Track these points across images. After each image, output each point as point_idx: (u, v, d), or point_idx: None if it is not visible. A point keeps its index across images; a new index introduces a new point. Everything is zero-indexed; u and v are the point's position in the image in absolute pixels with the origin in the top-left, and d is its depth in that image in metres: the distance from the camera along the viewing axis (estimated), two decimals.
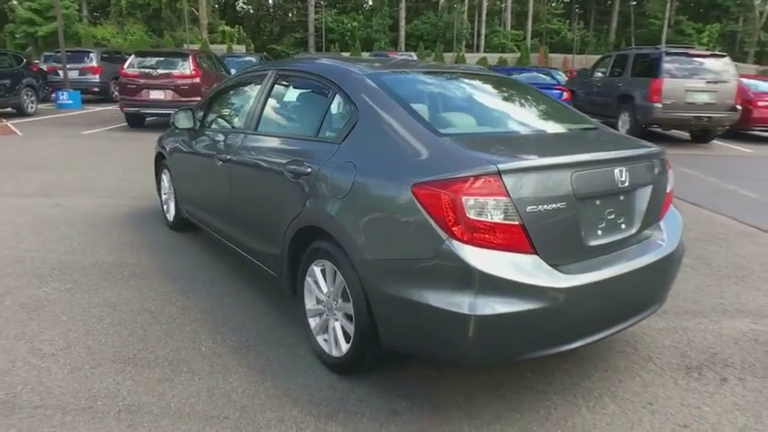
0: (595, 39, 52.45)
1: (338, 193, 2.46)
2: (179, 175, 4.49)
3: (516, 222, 2.10)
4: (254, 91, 3.51)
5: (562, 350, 2.27)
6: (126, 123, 11.85)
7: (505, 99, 3.21)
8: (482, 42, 49.04)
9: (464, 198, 2.05)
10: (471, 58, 41.04)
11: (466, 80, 3.26)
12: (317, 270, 2.71)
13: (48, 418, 2.30)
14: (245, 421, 2.32)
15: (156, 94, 10.85)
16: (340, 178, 2.47)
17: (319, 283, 2.71)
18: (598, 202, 2.37)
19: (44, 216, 5.24)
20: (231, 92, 4.08)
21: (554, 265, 2.18)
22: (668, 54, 11.51)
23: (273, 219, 2.97)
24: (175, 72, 10.91)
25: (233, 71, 15.08)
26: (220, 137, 3.73)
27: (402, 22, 46.02)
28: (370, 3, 50.04)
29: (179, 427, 2.26)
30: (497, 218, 2.08)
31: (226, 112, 4.03)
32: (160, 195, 5.16)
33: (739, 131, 12.51)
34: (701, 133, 12.10)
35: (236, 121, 3.70)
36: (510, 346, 2.17)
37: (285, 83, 3.38)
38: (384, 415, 2.39)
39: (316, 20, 46.49)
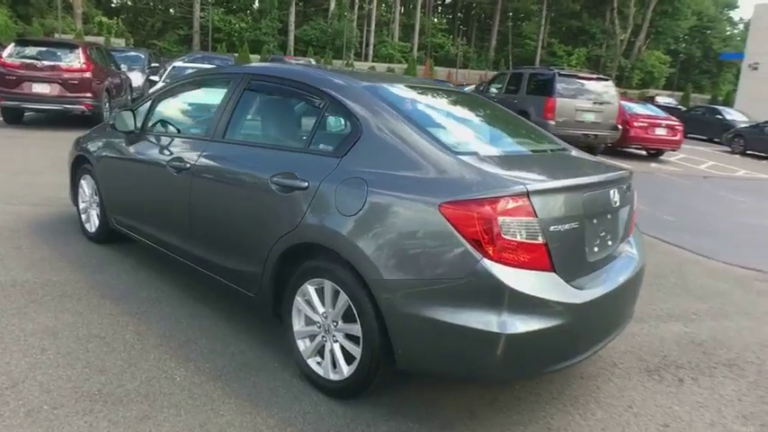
0: (476, 55, 55.50)
1: (347, 209, 2.35)
2: (110, 183, 4.05)
3: (542, 241, 2.14)
4: (216, 95, 3.26)
5: (574, 362, 2.35)
6: (1, 118, 10.50)
7: (488, 118, 3.27)
8: (370, 51, 49.99)
9: (499, 218, 2.06)
10: (360, 67, 41.63)
11: (449, 97, 3.28)
12: (310, 289, 2.56)
13: None
14: None
15: (40, 88, 9.71)
16: (348, 194, 2.36)
17: (313, 303, 2.56)
18: (596, 221, 2.49)
19: None
20: (183, 95, 3.75)
21: (567, 281, 2.25)
22: (560, 75, 12.48)
23: (252, 235, 2.77)
24: (63, 65, 9.85)
25: (123, 67, 14.00)
26: (175, 143, 3.42)
27: (292, 27, 45.56)
28: (258, 4, 48.89)
29: None
30: (526, 237, 2.11)
31: (180, 116, 3.71)
32: (77, 204, 4.62)
33: (617, 148, 13.85)
34: (586, 150, 13.20)
35: (195, 127, 3.42)
36: (533, 361, 2.21)
37: (261, 89, 3.17)
38: None
39: (201, 18, 44.52)
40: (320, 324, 2.57)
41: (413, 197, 2.22)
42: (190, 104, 3.68)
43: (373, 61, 46.73)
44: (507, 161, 2.54)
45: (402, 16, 54.58)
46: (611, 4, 50.99)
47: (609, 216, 2.63)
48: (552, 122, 11.99)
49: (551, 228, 2.17)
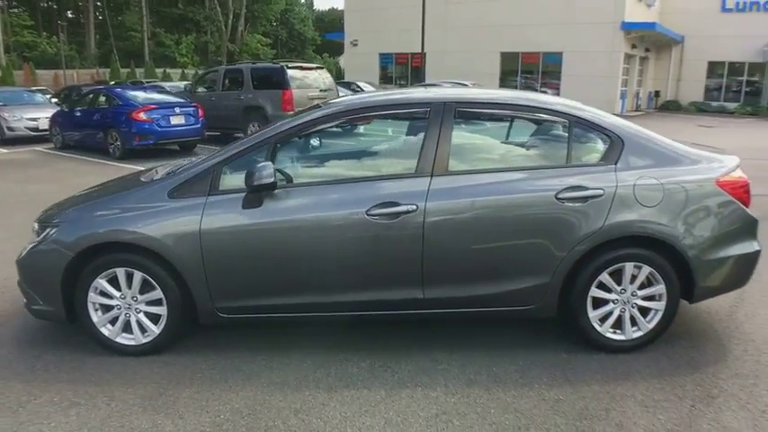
0: (77, 53, 49.45)
1: (650, 202, 3.07)
2: (220, 265, 3.18)
3: None
4: (402, 129, 3.40)
5: None
6: None
7: None
8: None
9: (748, 181, 3.22)
10: None
11: None
12: (606, 276, 3.15)
13: None
14: None
15: None
16: (647, 190, 3.08)
17: (611, 286, 3.17)
18: None
19: None
20: (338, 134, 3.57)
21: None
22: (289, 68, 13.21)
23: (536, 251, 3.10)
24: None
25: None
26: (356, 189, 3.16)
27: None
28: None
29: None
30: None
31: (338, 158, 3.50)
32: (84, 318, 3.37)
33: None
34: None
35: (382, 166, 3.40)
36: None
37: (480, 117, 3.47)
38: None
39: None
40: (616, 300, 3.20)
41: (694, 180, 3.15)
42: (359, 143, 3.52)
43: None
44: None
45: None
46: None
47: None
48: (292, 112, 12.72)
49: None
